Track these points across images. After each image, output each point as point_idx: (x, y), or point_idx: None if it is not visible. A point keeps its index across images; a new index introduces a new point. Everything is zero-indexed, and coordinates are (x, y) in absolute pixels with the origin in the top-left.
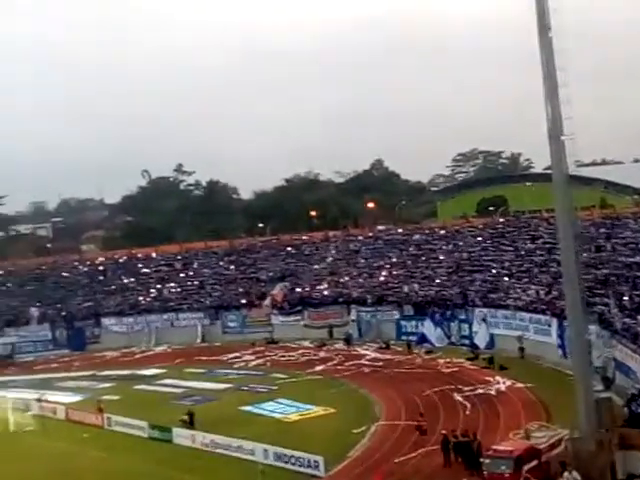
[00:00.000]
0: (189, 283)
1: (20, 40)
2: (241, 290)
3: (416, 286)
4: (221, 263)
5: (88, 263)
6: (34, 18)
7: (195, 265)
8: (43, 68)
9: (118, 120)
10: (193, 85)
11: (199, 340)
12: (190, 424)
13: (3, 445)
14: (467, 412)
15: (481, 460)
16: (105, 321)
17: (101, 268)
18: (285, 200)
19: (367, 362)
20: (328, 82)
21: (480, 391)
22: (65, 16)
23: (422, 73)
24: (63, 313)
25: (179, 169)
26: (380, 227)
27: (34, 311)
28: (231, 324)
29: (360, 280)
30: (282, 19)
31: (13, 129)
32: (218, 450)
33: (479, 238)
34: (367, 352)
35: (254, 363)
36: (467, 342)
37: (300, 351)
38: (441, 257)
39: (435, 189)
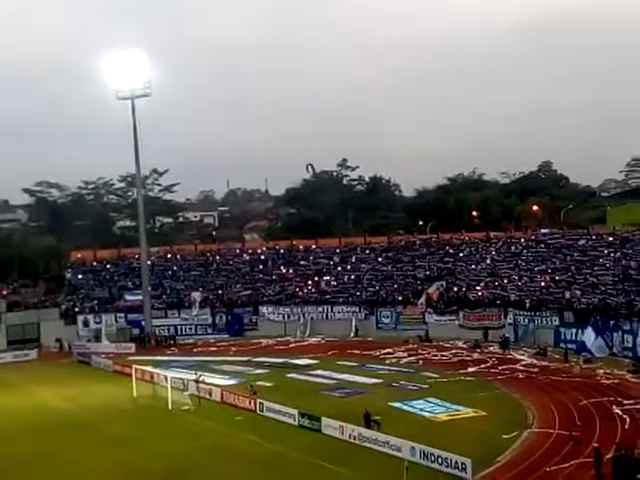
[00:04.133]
0: (346, 277)
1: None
2: (397, 287)
3: (578, 293)
4: (379, 259)
5: (250, 252)
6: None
7: (353, 259)
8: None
9: (286, 117)
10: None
11: (352, 334)
12: (367, 426)
13: (162, 422)
14: (626, 426)
15: (638, 477)
16: (263, 309)
17: (262, 257)
18: (447, 199)
19: (522, 367)
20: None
21: None
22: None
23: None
24: (224, 299)
25: (343, 164)
26: (544, 230)
27: (197, 295)
28: (385, 320)
29: (519, 283)
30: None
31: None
32: (365, 444)
33: None
34: (523, 357)
35: (406, 360)
36: (630, 354)
37: (453, 351)
38: (607, 264)
39: (605, 194)
